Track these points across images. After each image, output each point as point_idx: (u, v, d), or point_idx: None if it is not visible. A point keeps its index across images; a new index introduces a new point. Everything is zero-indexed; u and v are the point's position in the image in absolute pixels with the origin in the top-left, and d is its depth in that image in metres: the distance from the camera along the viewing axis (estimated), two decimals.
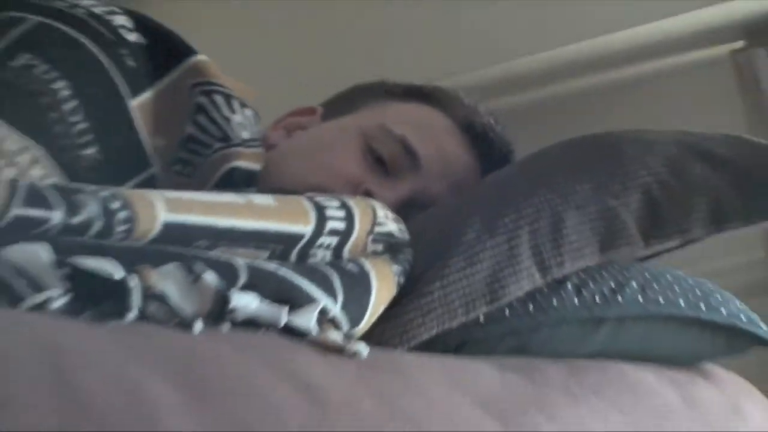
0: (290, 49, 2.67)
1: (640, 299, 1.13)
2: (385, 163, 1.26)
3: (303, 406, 0.76)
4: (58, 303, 0.74)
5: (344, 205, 1.01)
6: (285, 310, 0.86)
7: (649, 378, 1.13)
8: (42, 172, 0.98)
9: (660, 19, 2.37)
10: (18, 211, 0.76)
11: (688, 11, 2.34)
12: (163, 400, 0.69)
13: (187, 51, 1.16)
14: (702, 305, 1.17)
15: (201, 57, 1.16)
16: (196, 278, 0.83)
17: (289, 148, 1.30)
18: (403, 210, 1.17)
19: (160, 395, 0.69)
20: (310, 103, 1.39)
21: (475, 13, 2.52)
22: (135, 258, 0.81)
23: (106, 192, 0.82)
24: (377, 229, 1.03)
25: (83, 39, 1.08)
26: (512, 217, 1.09)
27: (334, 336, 0.88)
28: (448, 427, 0.85)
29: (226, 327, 0.82)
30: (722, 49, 2.53)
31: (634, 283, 1.15)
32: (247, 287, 0.85)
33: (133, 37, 1.12)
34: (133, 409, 0.67)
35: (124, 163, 1.07)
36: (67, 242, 0.78)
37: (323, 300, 0.90)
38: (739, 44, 2.52)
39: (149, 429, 0.67)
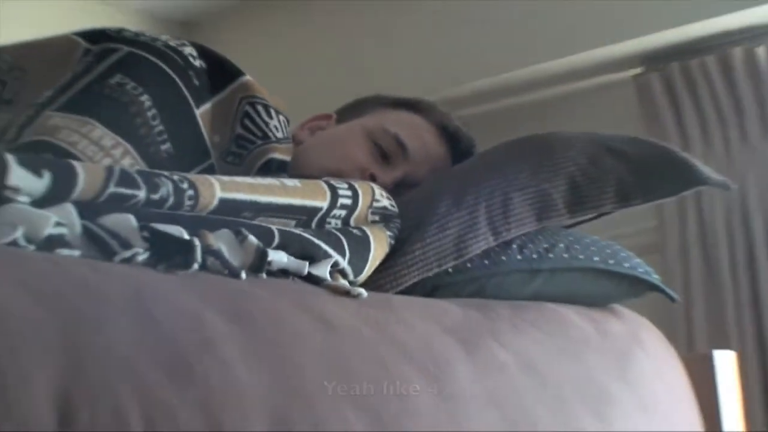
0: (311, 70, 2.67)
1: (566, 256, 1.14)
2: (384, 153, 1.25)
3: (318, 331, 0.77)
4: (141, 257, 0.75)
5: (351, 187, 1.01)
6: (307, 263, 0.87)
7: (572, 315, 1.13)
8: (130, 161, 0.98)
9: (581, 52, 2.37)
10: (113, 189, 0.77)
11: (601, 46, 2.34)
12: (217, 326, 0.70)
13: (237, 73, 1.15)
14: (611, 260, 1.18)
15: (247, 77, 1.15)
16: (243, 239, 0.83)
17: (312, 144, 1.28)
18: (395, 189, 1.18)
19: (215, 322, 0.70)
20: (327, 110, 1.38)
21: (448, 44, 2.51)
22: (197, 224, 0.82)
23: (177, 176, 0.83)
24: (375, 204, 1.03)
25: (162, 64, 1.07)
26: (473, 195, 1.09)
27: (343, 282, 0.88)
28: (424, 348, 0.86)
29: (263, 275, 0.83)
30: (626, 74, 2.51)
31: (561, 244, 1.15)
32: (280, 246, 0.86)
33: (197, 63, 1.11)
34: (195, 331, 0.68)
35: (191, 156, 1.07)
36: (147, 212, 0.79)
37: (335, 256, 0.91)
38: (639, 70, 2.50)
39: (206, 346, 0.68)
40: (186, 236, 0.78)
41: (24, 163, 0.72)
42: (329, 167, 1.18)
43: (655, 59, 2.42)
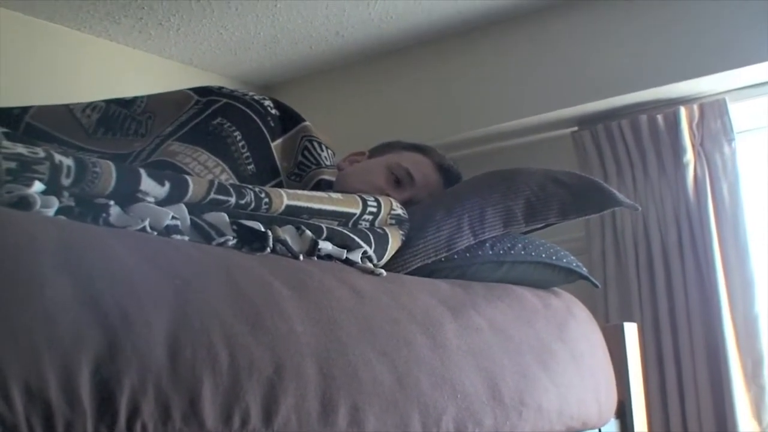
0: (352, 119, 2.66)
1: (523, 252, 1.11)
2: (398, 181, 1.22)
3: (352, 298, 0.76)
4: (231, 243, 0.74)
5: (376, 200, 0.99)
6: (345, 251, 0.86)
7: (526, 293, 1.10)
8: (226, 177, 0.98)
9: (537, 114, 2.35)
10: (213, 196, 0.76)
11: (550, 111, 2.32)
12: (282, 292, 0.69)
13: (300, 119, 1.14)
14: (554, 257, 1.15)
15: (307, 123, 1.14)
16: (301, 233, 0.82)
17: (350, 171, 1.25)
18: (405, 204, 1.15)
19: (281, 289, 0.69)
20: (363, 148, 1.35)
21: (444, 109, 2.50)
22: (270, 221, 0.81)
23: (257, 188, 0.82)
24: (392, 212, 1.01)
25: (249, 111, 1.07)
26: (459, 209, 1.06)
27: (369, 265, 0.87)
28: (424, 313, 0.84)
29: (315, 258, 0.82)
30: (567, 131, 2.48)
31: (520, 244, 1.12)
32: (326, 239, 0.85)
33: (273, 111, 1.10)
34: (267, 295, 0.67)
35: (267, 175, 1.05)
36: (235, 212, 0.78)
37: (364, 246, 0.89)
38: (575, 128, 2.47)
39: (274, 305, 0.67)
40: (262, 229, 0.77)
41: (151, 175, 0.72)
42: (360, 188, 1.16)
43: (587, 121, 2.41)
